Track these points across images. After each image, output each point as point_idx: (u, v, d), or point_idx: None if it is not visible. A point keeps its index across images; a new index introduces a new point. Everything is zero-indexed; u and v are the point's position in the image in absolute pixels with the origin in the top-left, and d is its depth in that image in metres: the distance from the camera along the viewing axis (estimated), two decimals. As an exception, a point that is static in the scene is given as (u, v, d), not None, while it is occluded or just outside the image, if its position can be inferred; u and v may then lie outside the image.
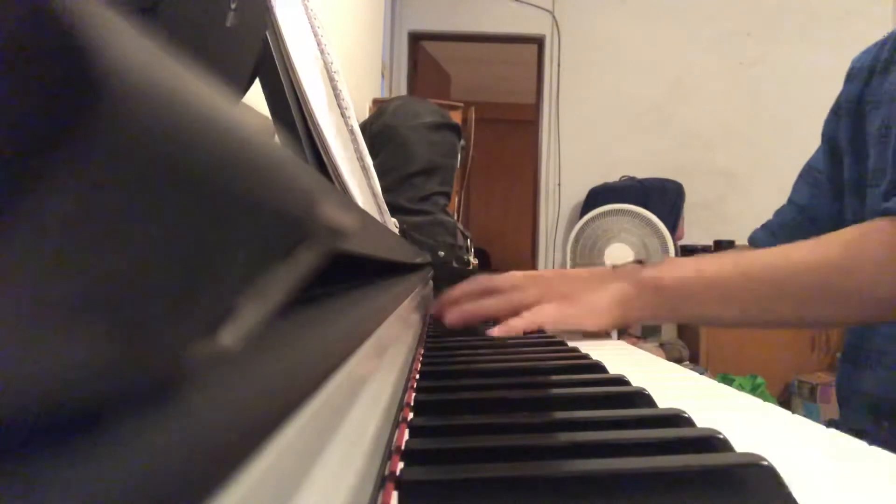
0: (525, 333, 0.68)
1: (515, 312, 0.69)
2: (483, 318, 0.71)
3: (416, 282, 0.67)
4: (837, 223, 0.86)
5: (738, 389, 0.44)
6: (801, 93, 3.38)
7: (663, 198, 3.20)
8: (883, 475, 0.27)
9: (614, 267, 0.76)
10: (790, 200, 0.94)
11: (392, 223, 0.98)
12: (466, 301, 0.72)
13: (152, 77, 0.06)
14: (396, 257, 0.47)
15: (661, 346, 3.01)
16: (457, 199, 2.20)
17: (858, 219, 0.80)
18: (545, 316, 0.69)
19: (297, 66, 0.47)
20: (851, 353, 0.81)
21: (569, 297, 0.70)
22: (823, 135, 0.90)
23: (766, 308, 0.66)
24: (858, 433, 0.32)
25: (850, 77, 0.85)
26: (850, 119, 0.83)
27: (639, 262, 0.90)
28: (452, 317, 0.71)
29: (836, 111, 0.88)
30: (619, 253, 2.78)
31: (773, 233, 0.94)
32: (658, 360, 0.59)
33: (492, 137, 4.51)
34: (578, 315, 0.69)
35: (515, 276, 0.76)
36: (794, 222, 0.92)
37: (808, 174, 0.92)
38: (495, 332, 0.67)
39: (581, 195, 3.42)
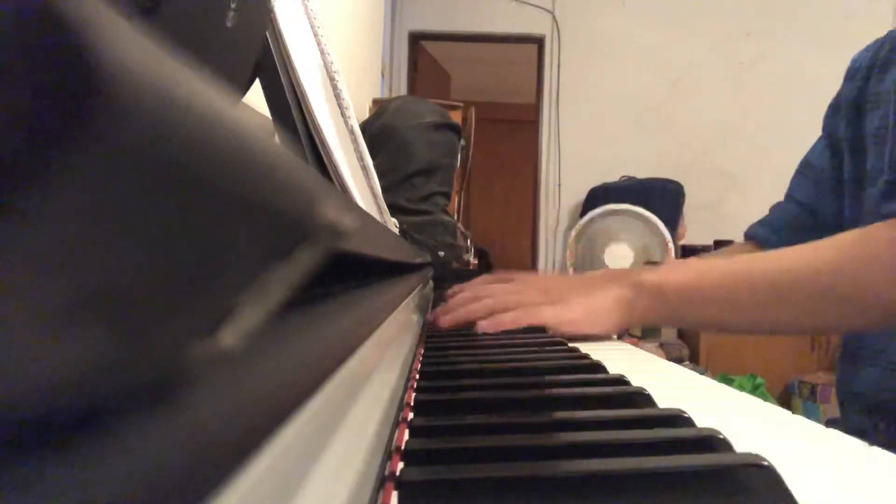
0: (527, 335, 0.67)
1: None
2: (474, 320, 0.70)
3: (416, 282, 0.67)
4: (839, 220, 0.85)
5: (738, 389, 0.44)
6: (801, 93, 3.38)
7: (663, 198, 3.20)
8: (883, 475, 0.27)
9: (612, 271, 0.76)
10: (789, 196, 0.93)
11: (392, 223, 0.98)
12: (460, 307, 0.72)
13: (152, 77, 0.06)
14: (396, 257, 0.47)
15: (661, 346, 3.01)
16: (457, 199, 2.20)
17: (857, 218, 0.80)
18: (539, 317, 0.67)
19: (297, 66, 0.47)
20: (848, 352, 0.81)
21: (567, 301, 0.69)
22: (824, 128, 0.89)
23: (768, 315, 0.66)
24: (859, 433, 0.32)
25: (850, 75, 0.85)
26: (849, 118, 0.83)
27: (652, 262, 0.90)
28: (444, 321, 0.71)
29: (835, 107, 0.87)
30: (619, 253, 2.78)
31: (775, 230, 0.92)
32: (658, 360, 0.59)
33: (492, 137, 4.51)
34: (576, 320, 0.68)
35: (512, 283, 0.75)
36: (796, 220, 0.91)
37: (807, 170, 0.91)
38: (482, 326, 0.66)
39: (581, 195, 3.42)
